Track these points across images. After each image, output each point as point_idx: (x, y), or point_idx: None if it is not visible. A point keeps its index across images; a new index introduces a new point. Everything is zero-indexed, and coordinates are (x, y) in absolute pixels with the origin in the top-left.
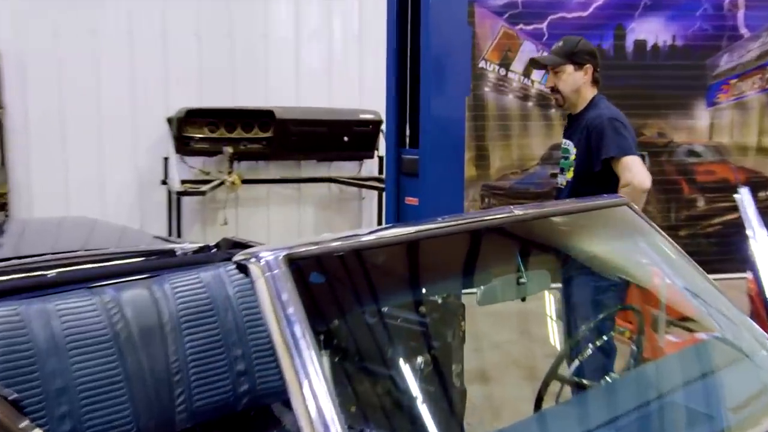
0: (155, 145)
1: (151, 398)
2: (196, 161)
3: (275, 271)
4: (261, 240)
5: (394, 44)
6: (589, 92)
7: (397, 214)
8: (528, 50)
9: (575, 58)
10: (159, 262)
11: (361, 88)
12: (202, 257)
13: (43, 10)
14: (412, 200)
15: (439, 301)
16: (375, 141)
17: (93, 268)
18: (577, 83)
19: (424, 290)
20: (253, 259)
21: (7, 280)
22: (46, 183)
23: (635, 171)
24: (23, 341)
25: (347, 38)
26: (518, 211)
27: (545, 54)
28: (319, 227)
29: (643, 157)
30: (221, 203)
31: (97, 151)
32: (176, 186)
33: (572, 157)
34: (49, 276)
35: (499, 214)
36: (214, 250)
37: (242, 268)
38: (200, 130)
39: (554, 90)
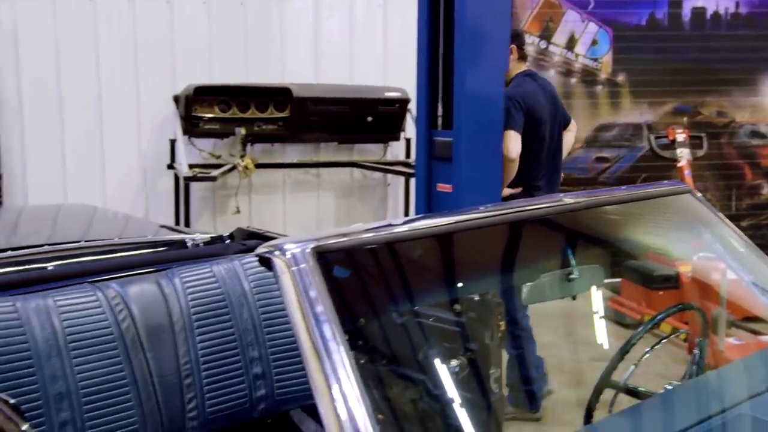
0: (161, 126)
1: (159, 404)
2: (206, 143)
3: (302, 266)
4: (277, 230)
5: (425, 13)
6: (515, 69)
7: (428, 202)
8: (572, 20)
9: None
10: (168, 254)
11: (386, 63)
12: (215, 249)
13: None
14: (444, 187)
15: (477, 298)
16: (402, 121)
17: (95, 260)
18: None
19: (461, 286)
20: (277, 252)
21: (2, 273)
22: (42, 168)
23: (506, 142)
24: (21, 341)
25: (371, 6)
26: (569, 200)
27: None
28: (340, 216)
29: (700, 139)
30: (233, 190)
31: (97, 133)
32: (184, 171)
33: None
34: (48, 269)
35: (548, 203)
36: (228, 240)
37: (265, 262)
38: (210, 110)
39: None
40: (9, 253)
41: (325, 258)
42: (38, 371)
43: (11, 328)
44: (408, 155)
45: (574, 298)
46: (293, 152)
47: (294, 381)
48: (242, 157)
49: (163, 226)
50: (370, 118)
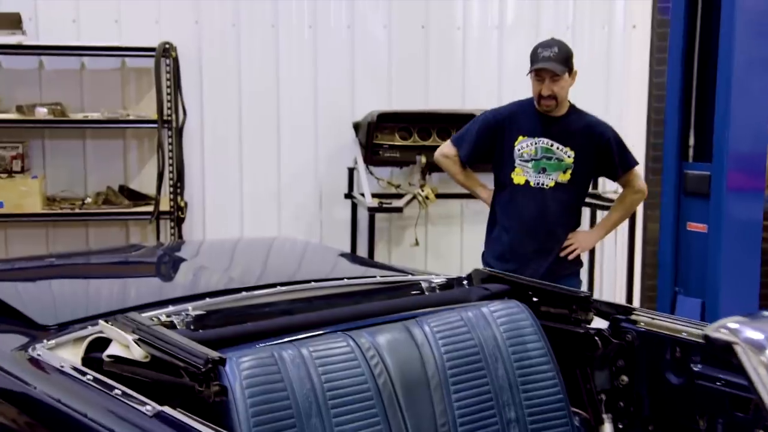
0: (338, 154)
1: None
2: (382, 172)
3: None
4: (454, 263)
5: (680, 32)
6: (567, 98)
7: (676, 243)
8: None
9: (569, 63)
10: (415, 301)
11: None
12: (459, 294)
13: (222, 3)
14: (698, 226)
15: None
16: None
17: (345, 304)
18: (568, 88)
19: None
20: (738, 338)
21: (249, 315)
22: (220, 196)
23: (641, 180)
24: (281, 397)
25: (559, 27)
26: None
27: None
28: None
29: None
30: (408, 220)
31: (275, 161)
32: (368, 201)
33: (567, 159)
34: (304, 317)
35: None
36: (464, 282)
37: (718, 346)
38: (391, 137)
39: (550, 97)
40: (243, 294)
41: None
42: (301, 431)
43: (272, 383)
44: (595, 186)
45: None
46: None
47: None
48: (422, 186)
49: (343, 255)
50: None
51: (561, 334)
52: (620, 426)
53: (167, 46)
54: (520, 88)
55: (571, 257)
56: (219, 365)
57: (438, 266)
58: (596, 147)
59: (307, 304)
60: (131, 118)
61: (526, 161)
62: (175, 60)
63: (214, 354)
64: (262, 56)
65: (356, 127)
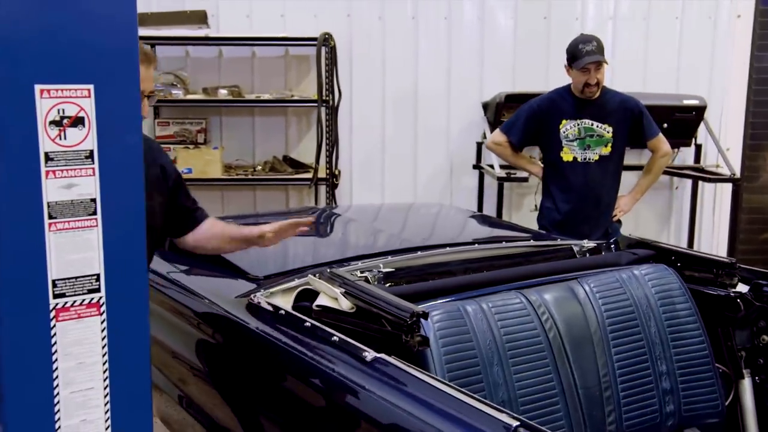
0: (467, 130)
1: (584, 416)
2: None
3: None
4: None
5: None
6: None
7: None
8: None
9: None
10: (574, 262)
11: (678, 71)
12: (611, 258)
13: None
14: None
15: None
16: (695, 129)
17: (511, 265)
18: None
19: None
20: None
21: (438, 271)
22: (364, 167)
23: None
24: (469, 347)
25: (668, 20)
26: None
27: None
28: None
29: None
30: (527, 188)
31: (412, 137)
32: (498, 171)
33: (607, 134)
34: (481, 275)
35: None
36: (612, 247)
37: None
38: None
39: (596, 84)
40: (419, 253)
41: None
42: (485, 379)
43: (461, 333)
44: (697, 160)
45: None
46: None
47: (699, 398)
48: (541, 159)
49: (492, 220)
50: (665, 125)
51: (703, 296)
52: (757, 380)
53: (327, 36)
54: (630, 72)
55: (615, 219)
56: (422, 318)
57: None
58: (630, 120)
59: (477, 263)
60: (295, 98)
61: (572, 141)
62: (333, 48)
63: (418, 308)
64: (403, 45)
65: (485, 106)
